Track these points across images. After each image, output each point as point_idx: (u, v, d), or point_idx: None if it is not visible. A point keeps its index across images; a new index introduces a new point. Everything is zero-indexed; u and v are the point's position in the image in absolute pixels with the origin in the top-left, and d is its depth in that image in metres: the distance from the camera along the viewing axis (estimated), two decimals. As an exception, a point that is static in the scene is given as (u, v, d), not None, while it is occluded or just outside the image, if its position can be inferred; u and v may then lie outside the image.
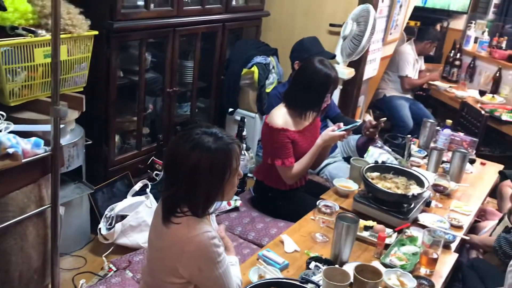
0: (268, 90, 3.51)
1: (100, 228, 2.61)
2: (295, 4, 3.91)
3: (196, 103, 3.48)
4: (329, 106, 3.09)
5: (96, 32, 2.36)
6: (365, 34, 3.36)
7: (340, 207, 2.28)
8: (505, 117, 4.05)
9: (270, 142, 2.53)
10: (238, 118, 3.45)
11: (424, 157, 2.97)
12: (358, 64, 3.71)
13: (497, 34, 5.08)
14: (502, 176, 2.11)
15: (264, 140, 2.67)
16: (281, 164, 2.50)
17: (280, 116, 2.52)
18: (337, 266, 1.80)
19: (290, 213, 2.51)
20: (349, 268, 1.74)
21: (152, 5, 2.83)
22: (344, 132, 2.55)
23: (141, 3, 2.80)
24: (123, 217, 2.61)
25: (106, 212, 2.64)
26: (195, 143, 1.46)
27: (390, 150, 2.87)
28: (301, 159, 2.56)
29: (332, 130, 2.56)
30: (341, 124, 2.60)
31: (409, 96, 4.82)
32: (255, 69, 3.47)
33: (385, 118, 2.98)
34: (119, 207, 2.62)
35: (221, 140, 1.49)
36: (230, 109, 3.65)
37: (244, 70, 3.49)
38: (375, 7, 3.54)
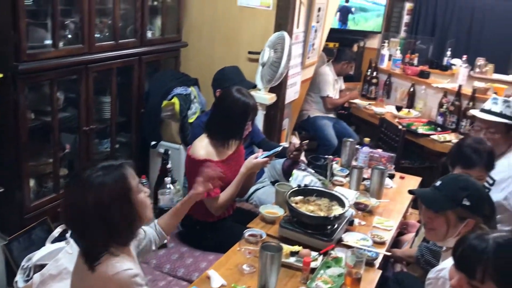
0: (191, 120, 3.49)
1: (16, 281, 2.44)
2: (213, 32, 3.94)
3: (116, 138, 3.38)
4: (253, 132, 3.11)
5: (1, 75, 2.25)
6: (282, 60, 3.44)
7: (268, 235, 2.28)
8: (421, 130, 4.27)
9: (194, 174, 2.50)
10: (162, 150, 3.39)
11: (346, 176, 3.05)
12: (279, 89, 3.78)
13: (409, 51, 5.38)
14: (413, 195, 2.21)
15: (188, 172, 2.63)
16: (207, 196, 2.47)
17: (202, 147, 2.51)
18: (263, 297, 1.78)
19: (220, 244, 2.47)
20: (276, 298, 1.74)
21: (61, 43, 2.74)
22: (266, 159, 2.57)
23: (48, 42, 2.71)
24: (42, 266, 2.46)
25: (23, 263, 2.46)
26: (87, 185, 1.45)
27: (313, 171, 2.93)
28: (226, 188, 2.55)
29: (255, 157, 2.58)
30: (261, 150, 2.64)
31: (332, 115, 4.98)
32: (175, 100, 3.44)
33: (307, 141, 3.04)
34: (37, 256, 2.46)
35: (109, 169, 1.49)
36: (153, 142, 3.59)
37: (165, 102, 3.46)
38: (290, 34, 3.65)
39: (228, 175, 2.56)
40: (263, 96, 3.54)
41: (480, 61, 4.82)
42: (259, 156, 2.58)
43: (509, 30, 5.73)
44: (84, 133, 3.02)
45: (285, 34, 3.50)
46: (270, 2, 3.70)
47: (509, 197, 2.60)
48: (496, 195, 2.48)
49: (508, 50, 5.69)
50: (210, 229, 2.59)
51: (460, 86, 4.28)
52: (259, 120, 3.57)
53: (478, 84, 4.31)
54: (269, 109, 3.76)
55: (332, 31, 4.79)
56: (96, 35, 2.98)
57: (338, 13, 5.49)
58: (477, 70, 4.74)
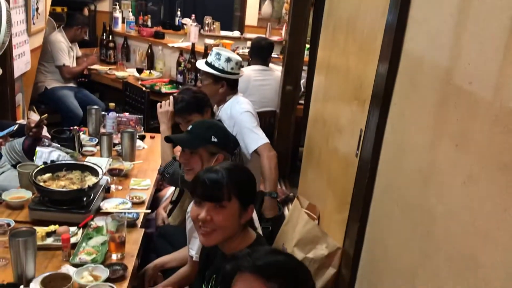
0: None
1: None
2: None
3: None
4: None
5: None
6: (0, 26, 3.04)
7: (17, 221, 2.07)
8: (164, 89, 4.42)
9: None
10: None
11: (96, 145, 2.97)
12: (4, 61, 3.35)
13: (141, 13, 5.41)
14: (169, 141, 2.32)
15: None
16: None
17: None
18: (22, 287, 1.64)
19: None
20: (37, 284, 1.62)
21: None
22: (0, 140, 2.30)
23: None
24: None
25: None
26: None
27: (59, 146, 2.75)
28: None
29: (-15, 140, 2.28)
30: (-4, 131, 2.34)
31: (72, 84, 4.70)
32: None
33: (46, 115, 2.81)
34: None
35: None
36: None
37: None
38: (7, -3, 3.24)
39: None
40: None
41: (208, 19, 5.19)
42: (-8, 138, 2.29)
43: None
44: None
45: (1, -2, 3.09)
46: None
47: None
48: None
49: (230, 9, 6.26)
50: None
51: (193, 44, 4.55)
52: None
53: (209, 41, 4.66)
54: (-4, 85, 3.33)
55: (60, -6, 4.45)
56: None
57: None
58: (206, 28, 5.10)
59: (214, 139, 2.08)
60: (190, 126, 2.16)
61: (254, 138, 2.68)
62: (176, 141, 2.21)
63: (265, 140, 2.69)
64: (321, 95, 2.48)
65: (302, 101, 4.07)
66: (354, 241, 1.76)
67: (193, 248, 1.99)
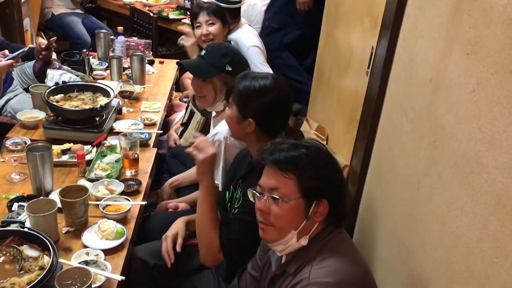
0: None
1: None
2: None
3: None
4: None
5: None
6: None
7: (32, 140, 2.13)
8: (172, 15, 4.34)
9: None
10: None
11: (106, 69, 2.97)
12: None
13: None
14: (180, 66, 2.30)
15: None
16: None
17: None
18: (41, 197, 1.71)
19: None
20: (55, 195, 1.69)
21: None
22: (11, 60, 2.32)
23: None
24: None
25: None
26: None
27: (69, 68, 2.76)
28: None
29: (-3, 60, 2.29)
30: (6, 52, 2.35)
31: (79, 11, 4.62)
32: None
33: (55, 38, 2.81)
34: None
35: None
36: None
37: None
38: None
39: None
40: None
41: None
42: (3, 59, 2.30)
43: None
44: None
45: None
46: None
47: None
48: None
49: None
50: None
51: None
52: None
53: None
54: (2, 8, 3.29)
55: None
56: None
57: None
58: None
59: (228, 68, 1.99)
60: (204, 51, 2.05)
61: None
62: (188, 69, 2.10)
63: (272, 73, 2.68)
64: (333, 15, 2.42)
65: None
66: (362, 158, 1.79)
67: (217, 179, 1.93)
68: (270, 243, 1.26)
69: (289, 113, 1.67)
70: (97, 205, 1.73)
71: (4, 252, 1.33)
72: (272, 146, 1.28)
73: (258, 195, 1.25)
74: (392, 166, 1.53)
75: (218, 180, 1.95)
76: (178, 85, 3.51)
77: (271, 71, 2.70)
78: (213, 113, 2.19)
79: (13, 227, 1.38)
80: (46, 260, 1.31)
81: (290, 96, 1.67)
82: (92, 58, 3.07)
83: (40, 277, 1.23)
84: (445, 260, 1.16)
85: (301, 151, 1.24)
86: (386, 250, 1.55)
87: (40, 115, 2.32)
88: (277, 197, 1.20)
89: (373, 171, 1.74)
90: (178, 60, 2.31)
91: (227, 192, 1.77)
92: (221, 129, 1.95)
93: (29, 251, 1.35)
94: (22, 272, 1.29)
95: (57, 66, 2.74)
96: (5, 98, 2.88)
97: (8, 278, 1.25)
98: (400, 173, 1.47)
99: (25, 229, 1.38)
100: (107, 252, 1.54)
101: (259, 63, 2.72)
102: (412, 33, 1.48)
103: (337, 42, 2.34)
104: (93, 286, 1.32)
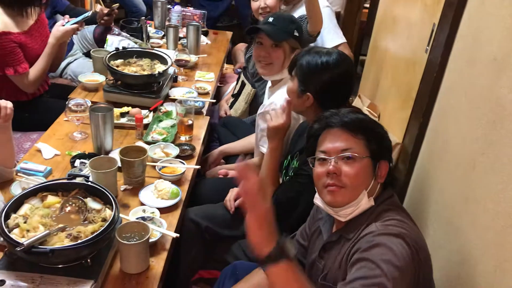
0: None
1: None
2: None
3: None
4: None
5: None
6: None
7: (92, 102, 2.23)
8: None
9: (-6, 50, 2.23)
10: None
11: (162, 37, 3.04)
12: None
13: None
14: (252, 32, 2.19)
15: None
16: (14, 73, 2.26)
17: (-3, 18, 2.22)
18: (103, 155, 1.81)
19: (40, 122, 2.34)
20: (115, 154, 1.78)
21: None
22: (75, 25, 2.41)
23: None
24: None
25: None
26: None
27: (128, 35, 2.85)
28: (36, 63, 2.36)
29: (62, 24, 2.39)
30: (68, 17, 2.45)
31: (136, -21, 4.70)
32: None
33: (117, 4, 2.89)
34: None
35: None
36: None
37: None
38: None
39: (35, 48, 2.36)
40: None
41: None
42: (66, 23, 2.40)
43: None
44: None
45: None
46: None
47: None
48: None
49: None
50: (26, 108, 2.42)
51: None
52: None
53: None
54: (65, -25, 3.39)
55: None
56: None
57: None
58: None
59: (296, 33, 2.04)
60: (272, 18, 2.05)
61: (333, 36, 2.65)
62: (264, 31, 2.01)
63: (343, 39, 2.66)
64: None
65: (367, 4, 3.92)
66: (415, 136, 1.78)
67: (265, 146, 1.95)
68: (340, 206, 1.25)
69: (349, 92, 1.68)
70: (154, 166, 1.81)
71: (71, 203, 1.42)
72: (329, 113, 1.32)
73: (323, 160, 1.27)
74: (447, 145, 1.52)
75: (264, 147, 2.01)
76: (229, 57, 3.56)
77: (341, 34, 2.67)
78: (269, 83, 2.22)
79: (78, 180, 1.47)
80: (108, 213, 1.39)
81: (352, 75, 1.68)
82: (149, 26, 3.14)
83: (103, 228, 1.31)
84: (497, 240, 1.16)
85: (361, 115, 1.32)
86: (435, 228, 1.55)
87: (100, 78, 2.42)
88: (352, 155, 1.23)
89: (426, 150, 1.73)
90: (253, 26, 2.18)
91: (285, 160, 1.81)
92: (275, 99, 1.98)
93: (92, 204, 1.43)
94: (86, 222, 1.37)
95: (117, 32, 2.83)
96: (65, 61, 3.01)
97: (74, 227, 1.34)
98: (455, 152, 1.46)
99: (90, 183, 1.47)
100: (162, 210, 1.61)
101: (333, 25, 2.66)
102: (478, 10, 1.44)
103: (396, 17, 2.30)
104: (149, 241, 1.40)
